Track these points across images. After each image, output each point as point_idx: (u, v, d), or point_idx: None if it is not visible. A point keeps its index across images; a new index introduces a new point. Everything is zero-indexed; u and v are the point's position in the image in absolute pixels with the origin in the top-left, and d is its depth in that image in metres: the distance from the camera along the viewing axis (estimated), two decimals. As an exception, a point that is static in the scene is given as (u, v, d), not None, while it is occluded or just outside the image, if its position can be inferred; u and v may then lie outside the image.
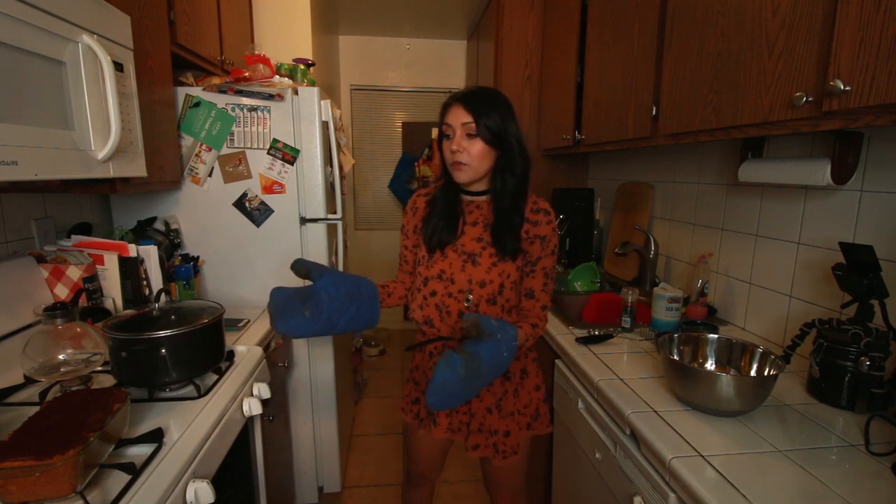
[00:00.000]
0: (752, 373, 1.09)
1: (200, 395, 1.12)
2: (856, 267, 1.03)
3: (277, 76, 1.86)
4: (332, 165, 1.94)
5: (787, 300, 1.34)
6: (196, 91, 1.70)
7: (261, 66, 1.81)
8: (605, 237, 2.46)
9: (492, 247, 1.21)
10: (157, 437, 0.92)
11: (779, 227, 1.37)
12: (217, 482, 0.97)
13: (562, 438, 1.47)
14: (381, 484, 2.22)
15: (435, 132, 4.25)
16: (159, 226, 1.73)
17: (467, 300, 1.21)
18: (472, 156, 1.16)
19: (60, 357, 1.08)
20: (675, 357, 1.15)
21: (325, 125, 1.81)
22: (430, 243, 1.26)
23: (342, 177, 2.04)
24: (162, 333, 1.10)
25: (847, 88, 0.81)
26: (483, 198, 1.25)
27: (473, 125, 1.15)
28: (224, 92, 1.71)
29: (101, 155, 1.07)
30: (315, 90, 1.77)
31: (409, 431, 1.44)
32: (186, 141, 1.72)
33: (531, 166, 1.26)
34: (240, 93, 1.72)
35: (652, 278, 1.92)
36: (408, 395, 1.37)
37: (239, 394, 1.19)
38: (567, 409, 1.39)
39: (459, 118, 1.16)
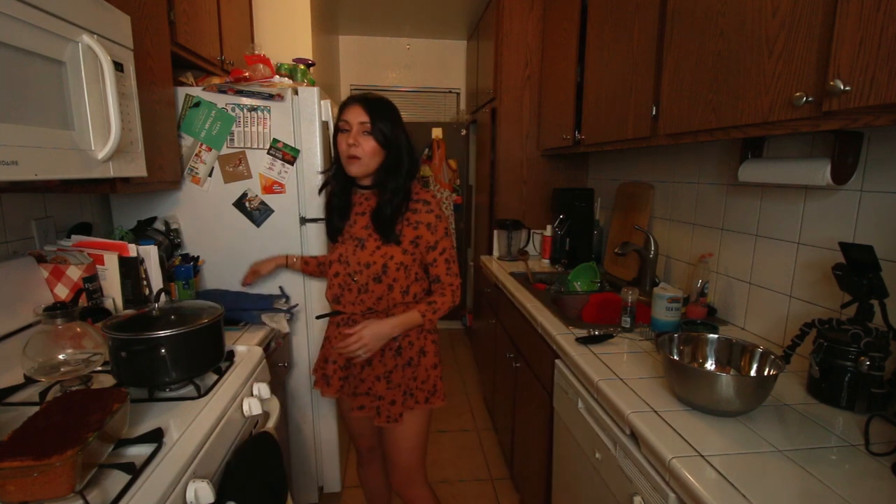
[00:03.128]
0: (752, 373, 1.09)
1: (200, 395, 1.12)
2: (856, 267, 1.03)
3: (277, 76, 1.86)
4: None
5: (787, 300, 1.34)
6: (196, 91, 1.70)
7: (261, 66, 1.81)
8: (605, 237, 2.46)
9: (376, 232, 1.36)
10: (156, 437, 0.92)
11: (779, 227, 1.37)
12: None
13: (562, 438, 1.47)
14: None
15: (436, 132, 4.26)
16: (159, 226, 1.73)
17: (354, 280, 1.39)
18: (364, 151, 1.32)
19: (60, 357, 1.08)
20: (675, 357, 1.15)
21: (325, 125, 1.81)
22: (328, 231, 1.48)
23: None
24: (162, 333, 1.10)
25: (847, 88, 0.81)
26: (370, 191, 1.41)
27: (369, 125, 1.31)
28: (224, 92, 1.71)
29: (101, 155, 1.07)
30: (315, 90, 1.77)
31: (341, 410, 1.61)
32: (186, 141, 1.72)
33: (417, 172, 1.41)
34: (240, 93, 1.72)
35: (652, 278, 1.92)
36: (318, 361, 1.54)
37: (239, 394, 1.19)
38: (567, 409, 1.39)
39: (357, 117, 1.31)
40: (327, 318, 1.50)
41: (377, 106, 1.33)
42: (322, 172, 1.58)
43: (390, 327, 1.34)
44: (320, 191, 1.57)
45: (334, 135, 1.38)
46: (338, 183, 1.44)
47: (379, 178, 1.37)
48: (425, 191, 1.40)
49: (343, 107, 1.35)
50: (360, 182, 1.41)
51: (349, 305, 1.42)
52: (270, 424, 1.25)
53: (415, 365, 1.42)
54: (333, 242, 1.47)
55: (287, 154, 1.78)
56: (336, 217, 1.44)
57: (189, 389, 1.14)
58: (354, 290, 1.39)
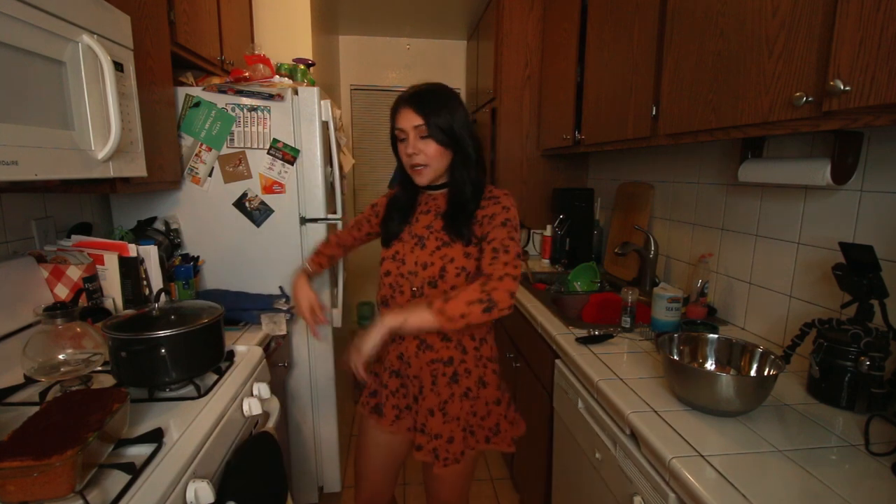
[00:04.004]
0: (752, 373, 1.09)
1: (200, 395, 1.12)
2: (856, 267, 1.03)
3: (277, 76, 1.86)
4: (332, 165, 1.94)
5: (787, 300, 1.34)
6: (196, 91, 1.70)
7: (261, 66, 1.81)
8: (605, 237, 2.46)
9: (440, 231, 1.22)
10: (156, 437, 0.92)
11: (779, 227, 1.37)
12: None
13: (562, 438, 1.47)
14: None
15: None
16: (159, 226, 1.73)
17: (408, 279, 1.23)
18: (429, 157, 1.19)
19: (60, 357, 1.08)
20: (675, 357, 1.15)
21: (325, 125, 1.81)
22: (384, 235, 1.32)
23: (342, 177, 2.04)
24: (162, 333, 1.10)
25: (847, 88, 0.81)
26: (441, 191, 1.29)
27: (425, 127, 1.16)
28: (224, 92, 1.71)
29: (101, 155, 1.07)
30: (315, 90, 1.77)
31: (362, 438, 1.38)
32: (186, 141, 1.72)
33: (483, 150, 1.27)
34: (240, 93, 1.72)
35: (652, 278, 1.92)
36: (368, 388, 1.36)
37: (239, 394, 1.19)
38: (567, 409, 1.39)
39: (411, 121, 1.17)
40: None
41: (428, 101, 1.17)
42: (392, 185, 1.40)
43: (400, 318, 1.10)
44: (390, 186, 1.43)
45: (393, 144, 1.26)
46: (404, 189, 1.32)
47: (454, 177, 1.23)
48: (498, 188, 1.25)
49: (394, 111, 1.22)
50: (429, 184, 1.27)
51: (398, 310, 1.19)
52: (270, 424, 1.25)
53: (473, 398, 1.23)
54: (387, 247, 1.30)
55: (287, 154, 1.78)
56: (396, 219, 1.29)
57: (189, 389, 1.14)
58: (407, 292, 1.23)
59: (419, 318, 1.08)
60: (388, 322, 1.10)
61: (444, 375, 1.22)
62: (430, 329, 1.11)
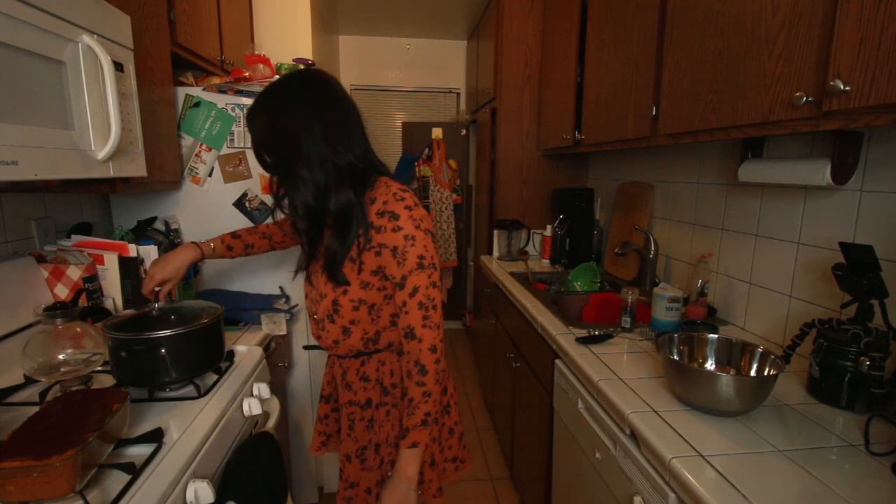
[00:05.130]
0: (752, 373, 1.09)
1: (200, 395, 1.12)
2: (856, 267, 1.03)
3: (277, 76, 1.86)
4: (332, 165, 1.94)
5: (787, 300, 1.34)
6: (196, 91, 1.70)
7: (261, 65, 1.81)
8: (605, 237, 2.46)
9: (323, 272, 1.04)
10: (156, 436, 0.92)
11: (779, 227, 1.37)
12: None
13: (562, 438, 1.47)
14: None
15: (436, 132, 4.25)
16: (159, 226, 1.73)
17: (313, 312, 1.10)
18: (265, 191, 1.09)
19: (60, 357, 1.08)
20: (675, 357, 1.15)
21: (325, 125, 1.81)
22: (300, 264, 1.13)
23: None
24: (162, 333, 1.10)
25: (847, 88, 0.81)
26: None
27: (256, 153, 1.03)
28: (224, 92, 1.71)
29: (101, 155, 1.07)
30: (315, 90, 1.76)
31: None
32: (186, 141, 1.72)
33: (363, 171, 1.04)
34: (240, 93, 1.71)
35: (652, 278, 1.92)
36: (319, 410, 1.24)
37: (239, 394, 1.19)
38: (567, 409, 1.39)
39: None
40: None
41: (254, 118, 0.97)
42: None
43: (402, 478, 1.00)
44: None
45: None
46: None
47: (291, 214, 1.02)
48: (399, 192, 0.98)
49: None
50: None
51: (322, 340, 1.11)
52: (270, 424, 1.25)
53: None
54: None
55: (287, 154, 1.77)
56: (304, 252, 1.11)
57: (189, 389, 1.14)
58: (315, 323, 1.12)
59: (416, 454, 1.00)
60: (409, 476, 1.00)
61: (362, 420, 1.11)
62: (426, 441, 1.01)
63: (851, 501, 0.75)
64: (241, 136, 1.75)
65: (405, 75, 4.27)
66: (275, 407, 1.31)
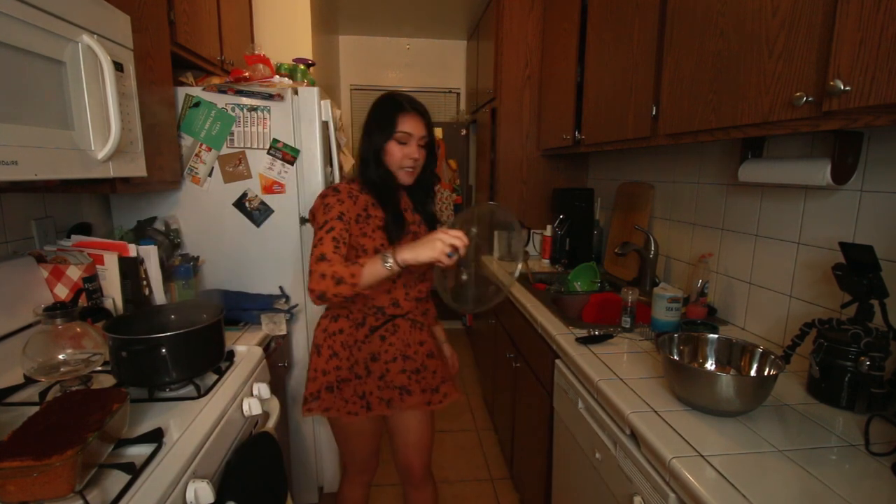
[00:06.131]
0: (752, 373, 1.09)
1: (200, 395, 1.12)
2: (856, 267, 1.03)
3: (277, 76, 1.86)
4: (332, 165, 1.94)
5: (787, 300, 1.34)
6: (196, 91, 1.70)
7: (261, 66, 1.81)
8: (605, 237, 2.46)
9: (423, 223, 1.41)
10: (156, 436, 0.92)
11: (779, 227, 1.37)
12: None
13: (562, 438, 1.47)
14: (381, 483, 2.22)
15: (436, 132, 4.26)
16: (159, 226, 1.73)
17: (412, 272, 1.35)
18: (419, 163, 1.35)
19: (60, 357, 1.08)
20: (675, 357, 1.15)
21: (325, 125, 1.81)
22: (393, 236, 1.32)
23: (342, 177, 2.04)
24: (162, 333, 1.10)
25: (847, 88, 0.81)
26: (404, 189, 1.41)
27: (425, 139, 1.33)
28: (224, 92, 1.71)
29: (101, 155, 1.07)
30: (315, 90, 1.77)
31: (350, 429, 1.43)
32: (186, 141, 1.72)
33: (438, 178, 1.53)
34: (240, 93, 1.72)
35: (652, 278, 1.92)
36: (352, 394, 1.34)
37: (239, 394, 1.19)
38: (567, 409, 1.39)
39: (419, 130, 1.31)
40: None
41: (429, 116, 1.35)
42: (350, 182, 1.37)
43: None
44: (375, 200, 1.33)
45: (378, 138, 1.30)
46: (386, 187, 1.33)
47: (421, 177, 1.39)
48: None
49: (402, 114, 1.28)
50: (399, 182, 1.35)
51: (409, 306, 1.38)
52: (270, 424, 1.25)
53: (436, 356, 1.44)
54: (391, 245, 1.31)
55: (287, 154, 1.78)
56: (397, 227, 1.32)
57: (189, 389, 1.14)
58: (413, 288, 1.39)
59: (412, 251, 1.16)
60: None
61: (431, 340, 1.44)
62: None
63: (851, 501, 0.75)
64: (241, 136, 1.75)
65: (405, 75, 4.27)
66: (275, 407, 1.31)
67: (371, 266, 1.13)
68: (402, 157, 1.31)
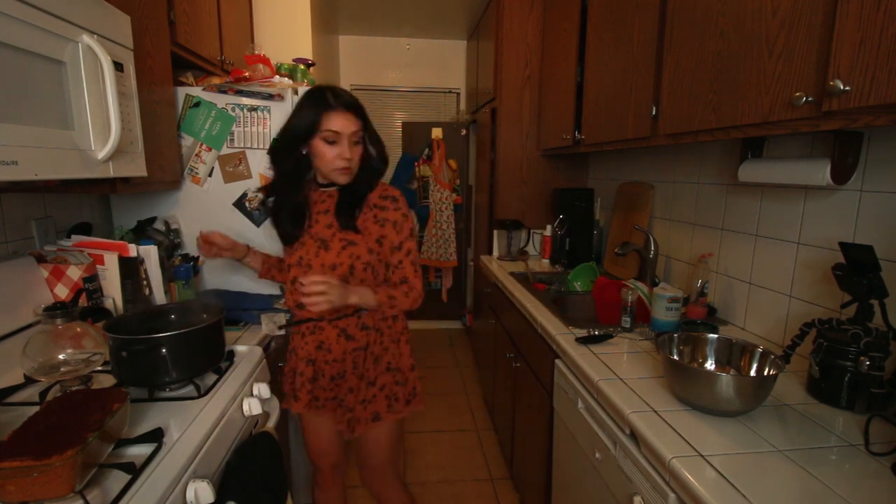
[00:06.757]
0: (752, 373, 1.09)
1: (200, 395, 1.12)
2: (856, 267, 1.03)
3: (277, 76, 1.86)
4: (332, 165, 1.94)
5: (787, 300, 1.34)
6: (196, 91, 1.70)
7: (261, 66, 1.81)
8: (604, 237, 2.46)
9: (343, 231, 1.29)
10: (156, 436, 0.92)
11: (779, 227, 1.37)
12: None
13: (562, 438, 1.47)
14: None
15: (436, 132, 4.23)
16: (159, 226, 1.73)
17: (295, 281, 1.28)
18: (355, 161, 1.27)
19: (60, 357, 1.08)
20: (675, 357, 1.15)
21: (325, 125, 1.81)
22: (281, 236, 1.35)
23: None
24: (162, 333, 1.10)
25: (847, 88, 0.81)
26: (333, 188, 1.34)
27: (360, 133, 1.26)
28: (224, 92, 1.71)
29: (101, 155, 1.07)
30: (315, 90, 1.77)
31: (303, 422, 1.48)
32: (186, 141, 1.72)
33: (386, 161, 1.37)
34: (240, 93, 1.72)
35: (652, 278, 1.92)
36: (287, 375, 1.43)
37: (239, 394, 1.19)
38: (567, 409, 1.39)
39: (349, 126, 1.23)
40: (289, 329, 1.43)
41: (361, 108, 1.27)
42: (261, 188, 1.41)
43: (353, 293, 1.23)
44: (267, 198, 1.37)
45: (302, 137, 1.24)
46: (294, 189, 1.31)
47: (358, 176, 1.31)
48: (393, 188, 1.34)
49: (325, 111, 1.21)
50: (320, 181, 1.33)
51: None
52: (270, 424, 1.25)
53: (394, 369, 1.38)
54: (290, 250, 1.35)
55: (287, 154, 1.77)
56: (290, 222, 1.32)
57: (189, 389, 1.14)
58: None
59: (368, 301, 1.26)
60: (352, 297, 1.23)
61: (366, 360, 1.35)
62: (368, 307, 1.28)
63: (851, 501, 0.75)
64: (241, 136, 1.75)
65: (405, 75, 4.27)
66: (275, 407, 1.31)
67: None
68: (334, 157, 1.24)
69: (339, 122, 1.22)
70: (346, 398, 1.36)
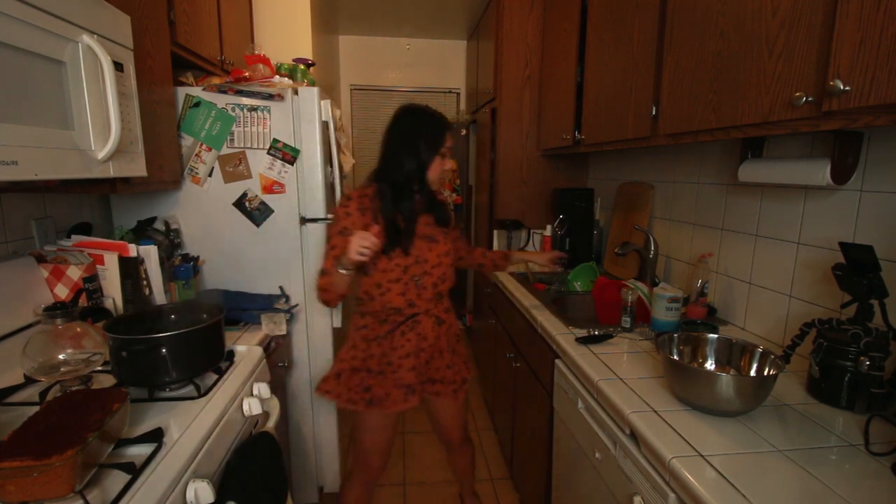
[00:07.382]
0: (752, 373, 1.09)
1: (200, 395, 1.12)
2: (856, 267, 1.03)
3: (277, 76, 1.86)
4: (332, 165, 1.94)
5: (787, 300, 1.34)
6: (196, 91, 1.70)
7: (261, 65, 1.81)
8: (604, 237, 2.46)
9: (438, 227, 1.50)
10: (157, 436, 0.92)
11: (778, 227, 1.37)
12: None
13: (562, 438, 1.47)
14: (382, 483, 2.22)
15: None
16: (159, 226, 1.73)
17: (428, 274, 1.44)
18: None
19: (60, 357, 1.08)
20: (675, 357, 1.15)
21: (325, 125, 1.81)
22: (403, 244, 1.43)
23: (342, 177, 2.04)
24: (162, 333, 1.10)
25: (847, 88, 0.81)
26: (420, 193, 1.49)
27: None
28: (224, 92, 1.71)
29: (101, 155, 1.07)
30: (315, 90, 1.77)
31: (364, 425, 1.51)
32: (186, 141, 1.72)
33: None
34: (240, 93, 1.72)
35: (652, 278, 1.92)
36: (358, 385, 1.46)
37: (239, 394, 1.19)
38: (567, 408, 1.39)
39: (449, 143, 1.45)
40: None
41: None
42: (363, 188, 1.48)
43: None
44: (384, 205, 1.42)
45: (430, 156, 1.41)
46: (405, 197, 1.42)
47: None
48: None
49: (445, 132, 1.43)
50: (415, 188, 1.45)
51: (423, 304, 1.46)
52: (270, 424, 1.25)
53: (460, 340, 1.61)
54: (405, 254, 1.42)
55: (287, 154, 1.78)
56: (407, 227, 1.43)
57: (189, 389, 1.14)
58: (430, 288, 1.45)
59: None
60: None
61: (449, 337, 1.55)
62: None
63: (851, 501, 0.75)
64: (241, 136, 1.75)
65: (405, 75, 4.27)
66: (275, 407, 1.31)
67: (334, 276, 1.30)
68: (443, 170, 1.46)
69: (450, 140, 1.44)
70: (443, 374, 1.54)
